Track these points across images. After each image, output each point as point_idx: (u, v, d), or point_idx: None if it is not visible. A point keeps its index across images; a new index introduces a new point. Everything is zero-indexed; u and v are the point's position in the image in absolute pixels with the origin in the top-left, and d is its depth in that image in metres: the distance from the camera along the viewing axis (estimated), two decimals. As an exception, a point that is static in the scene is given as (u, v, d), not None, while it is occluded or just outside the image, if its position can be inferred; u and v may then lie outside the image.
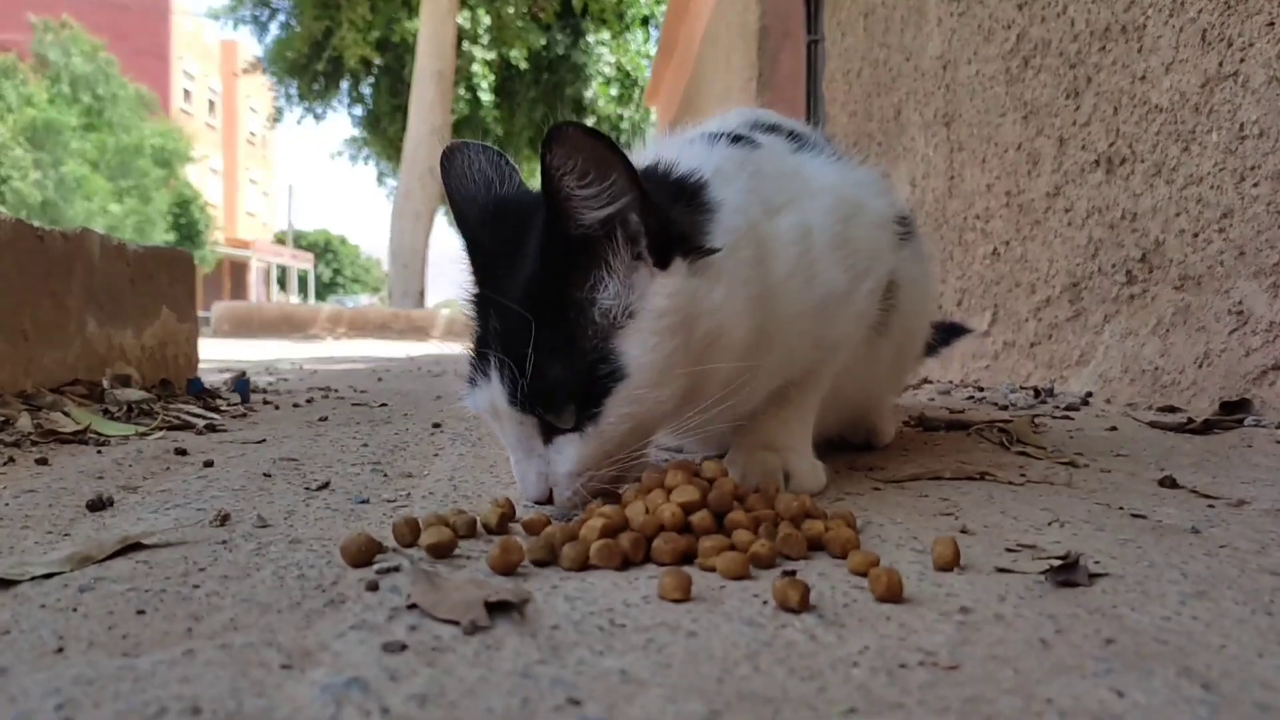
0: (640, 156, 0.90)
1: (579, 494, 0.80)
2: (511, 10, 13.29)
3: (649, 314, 0.77)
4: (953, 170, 2.82)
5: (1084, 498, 0.96)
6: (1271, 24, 1.55)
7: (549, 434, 0.79)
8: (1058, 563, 0.66)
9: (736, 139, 0.99)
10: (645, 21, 15.60)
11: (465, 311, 0.89)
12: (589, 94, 15.43)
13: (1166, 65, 1.83)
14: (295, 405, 1.98)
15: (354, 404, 2.03)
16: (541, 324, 0.76)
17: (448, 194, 0.88)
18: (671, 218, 0.81)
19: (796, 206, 0.93)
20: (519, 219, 0.83)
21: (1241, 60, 1.62)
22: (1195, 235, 1.76)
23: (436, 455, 1.26)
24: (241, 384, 2.07)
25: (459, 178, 0.87)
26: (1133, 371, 1.95)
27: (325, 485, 1.02)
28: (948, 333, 1.72)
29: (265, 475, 1.09)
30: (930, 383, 2.68)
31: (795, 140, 1.07)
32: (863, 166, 1.13)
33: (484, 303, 0.83)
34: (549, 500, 0.80)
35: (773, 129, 1.08)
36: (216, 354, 4.41)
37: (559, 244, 0.77)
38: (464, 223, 0.87)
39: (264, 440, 1.40)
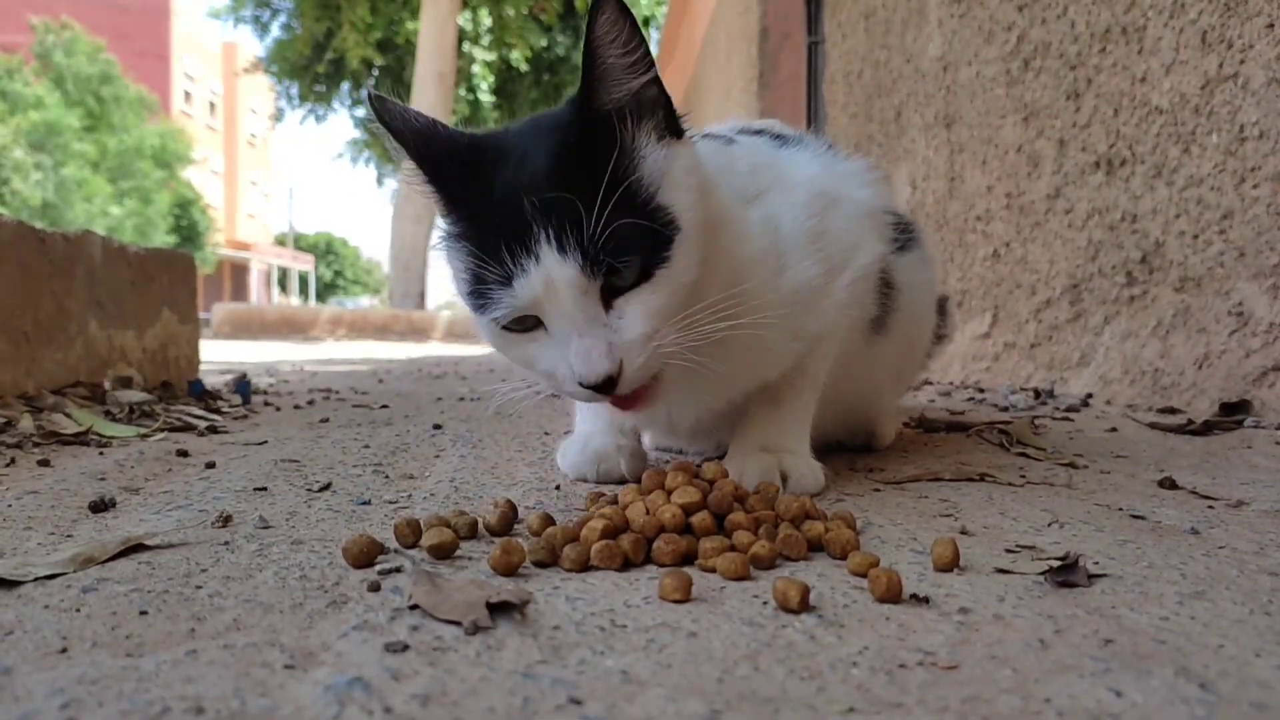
0: None
1: (651, 363, 0.78)
2: (512, 12, 13.31)
3: (680, 172, 0.80)
4: (953, 172, 2.83)
5: (1083, 499, 0.96)
6: (1271, 26, 1.55)
7: (608, 301, 0.77)
8: (1057, 563, 0.67)
9: (709, 136, 1.01)
10: (646, 23, 15.60)
11: (445, 248, 0.84)
12: (589, 95, 15.40)
13: (1167, 67, 1.83)
14: (296, 407, 1.99)
15: (355, 405, 2.03)
16: (599, 183, 0.75)
17: (395, 131, 0.83)
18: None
19: (767, 199, 0.94)
20: (494, 143, 0.83)
21: (1241, 62, 1.62)
22: (1195, 237, 1.76)
23: (438, 457, 1.27)
24: (243, 386, 2.07)
25: (402, 116, 0.84)
26: (1133, 373, 1.95)
27: (327, 486, 1.02)
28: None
29: (258, 489, 1.09)
30: (931, 384, 2.69)
31: (779, 140, 1.08)
32: (850, 159, 1.13)
33: (501, 204, 0.78)
34: (617, 376, 0.76)
35: (757, 133, 1.09)
36: (218, 356, 4.42)
37: (596, 114, 0.79)
38: (432, 152, 0.83)
39: (265, 442, 1.40)
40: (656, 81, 0.81)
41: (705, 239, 0.81)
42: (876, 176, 1.12)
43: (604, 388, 0.77)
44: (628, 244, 0.75)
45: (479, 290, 0.79)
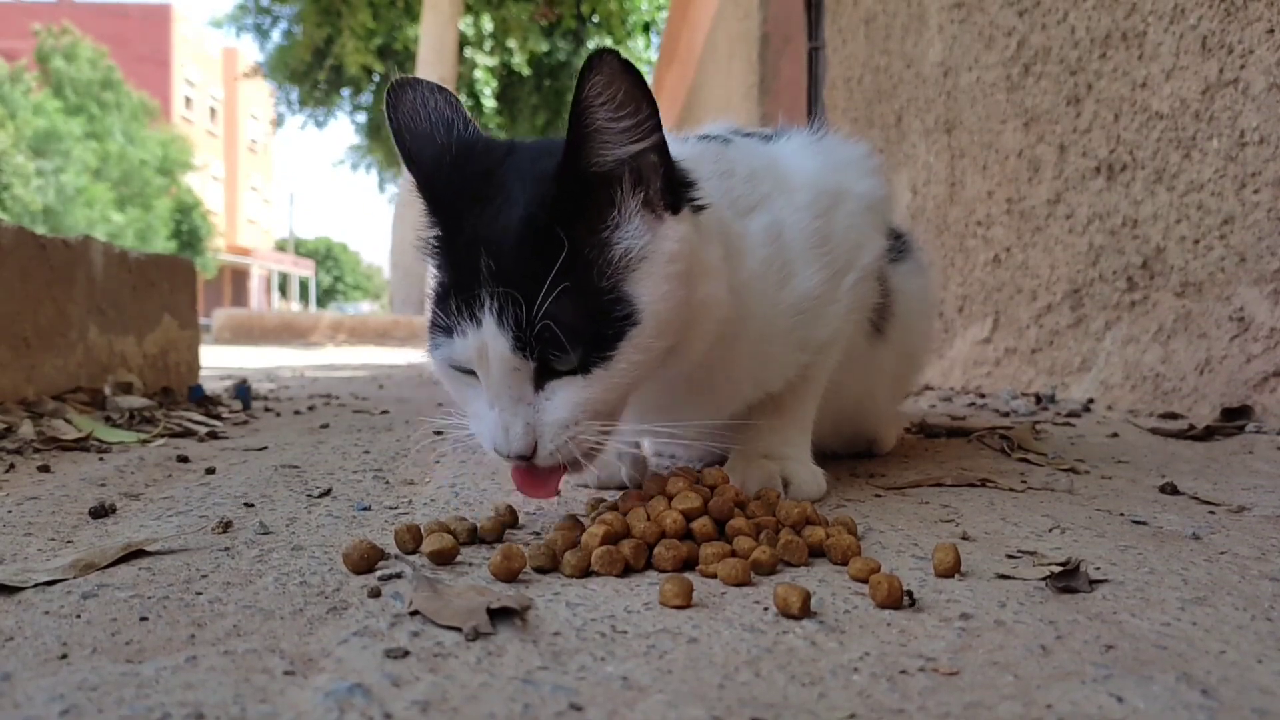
0: None
1: (563, 450, 0.74)
2: (515, 15, 13.34)
3: (661, 257, 0.75)
4: (954, 177, 2.83)
5: (1085, 504, 0.96)
6: (1271, 31, 1.55)
7: (541, 381, 0.74)
8: (1058, 569, 0.67)
9: (706, 137, 0.98)
10: (647, 28, 15.65)
11: (425, 257, 0.82)
12: (590, 100, 15.45)
13: (1167, 72, 1.83)
14: (296, 412, 1.99)
15: (355, 411, 2.03)
16: (554, 262, 0.71)
17: (396, 130, 0.81)
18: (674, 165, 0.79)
19: (769, 205, 0.91)
20: (490, 160, 0.79)
21: (1242, 67, 1.63)
22: (1196, 242, 1.76)
23: (438, 462, 1.27)
24: (243, 391, 2.07)
25: (410, 114, 0.81)
26: (1134, 378, 1.95)
27: (327, 492, 1.02)
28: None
29: (259, 494, 1.09)
30: (931, 389, 2.68)
31: (768, 139, 1.05)
32: (849, 143, 1.08)
33: (461, 244, 0.76)
34: (530, 455, 0.74)
35: (748, 135, 1.06)
36: (218, 361, 4.42)
37: (576, 180, 0.73)
38: (418, 161, 0.80)
39: (266, 447, 1.40)
40: (657, 148, 0.75)
41: (682, 326, 0.76)
42: (876, 163, 1.07)
43: (521, 460, 0.75)
44: (569, 335, 0.71)
45: (432, 323, 0.78)
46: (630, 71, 0.70)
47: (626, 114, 0.72)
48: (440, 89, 0.83)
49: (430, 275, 0.81)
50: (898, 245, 1.12)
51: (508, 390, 0.74)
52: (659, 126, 0.74)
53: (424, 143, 0.81)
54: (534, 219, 0.73)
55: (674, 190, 0.78)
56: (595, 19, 13.36)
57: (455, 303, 0.74)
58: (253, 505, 0.95)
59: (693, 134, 1.00)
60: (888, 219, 1.03)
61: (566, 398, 0.74)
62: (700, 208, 0.80)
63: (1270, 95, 1.56)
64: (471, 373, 0.76)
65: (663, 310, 0.74)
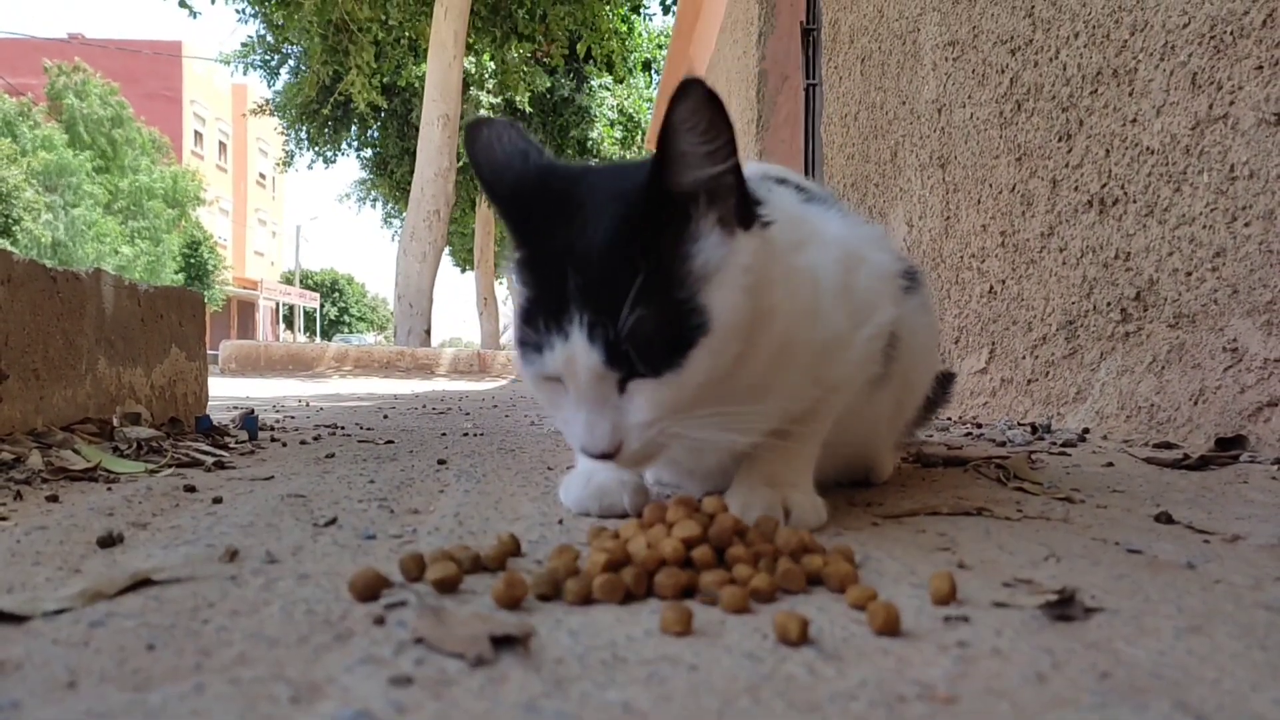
0: None
1: (647, 447, 0.82)
2: (515, 55, 13.55)
3: (734, 269, 0.80)
4: (948, 211, 2.86)
5: (1080, 533, 0.97)
6: (1260, 68, 1.59)
7: (623, 385, 0.80)
8: (1054, 597, 0.67)
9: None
10: (647, 66, 15.89)
11: (512, 278, 0.88)
12: (594, 135, 15.67)
13: (1157, 108, 1.87)
14: (303, 442, 2.00)
15: (361, 441, 2.04)
16: (637, 274, 0.77)
17: (476, 165, 0.88)
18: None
19: (809, 249, 0.97)
20: (569, 183, 0.85)
21: (1231, 103, 1.66)
22: (1188, 274, 1.78)
23: (442, 492, 1.28)
24: (250, 421, 2.08)
25: (487, 149, 0.88)
26: (1129, 408, 1.96)
27: (333, 521, 1.03)
28: (940, 383, 1.70)
29: (265, 524, 1.09)
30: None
31: (803, 194, 1.11)
32: (866, 224, 1.18)
33: (548, 262, 0.82)
34: (615, 453, 0.81)
35: (782, 182, 1.12)
36: (225, 392, 4.44)
37: (660, 198, 0.79)
38: (499, 191, 0.87)
39: (272, 477, 1.41)
40: (734, 170, 0.81)
41: (749, 333, 0.82)
42: (889, 243, 1.17)
43: (605, 457, 0.82)
44: (651, 346, 0.78)
45: (522, 340, 0.84)
46: (714, 100, 0.76)
47: (709, 138, 0.78)
48: (512, 124, 0.90)
49: (516, 294, 0.87)
50: (908, 280, 1.15)
51: (594, 395, 0.80)
52: (735, 150, 0.80)
53: (503, 172, 0.87)
54: (618, 236, 0.79)
55: (747, 208, 0.84)
56: (596, 58, 13.57)
57: (544, 318, 0.80)
58: (259, 534, 0.95)
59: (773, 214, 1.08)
60: (898, 294, 1.09)
61: (647, 400, 0.80)
62: (768, 224, 0.86)
63: (1259, 130, 1.59)
64: (558, 379, 0.82)
65: (733, 319, 0.80)
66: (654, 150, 0.78)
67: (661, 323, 0.78)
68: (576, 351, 0.78)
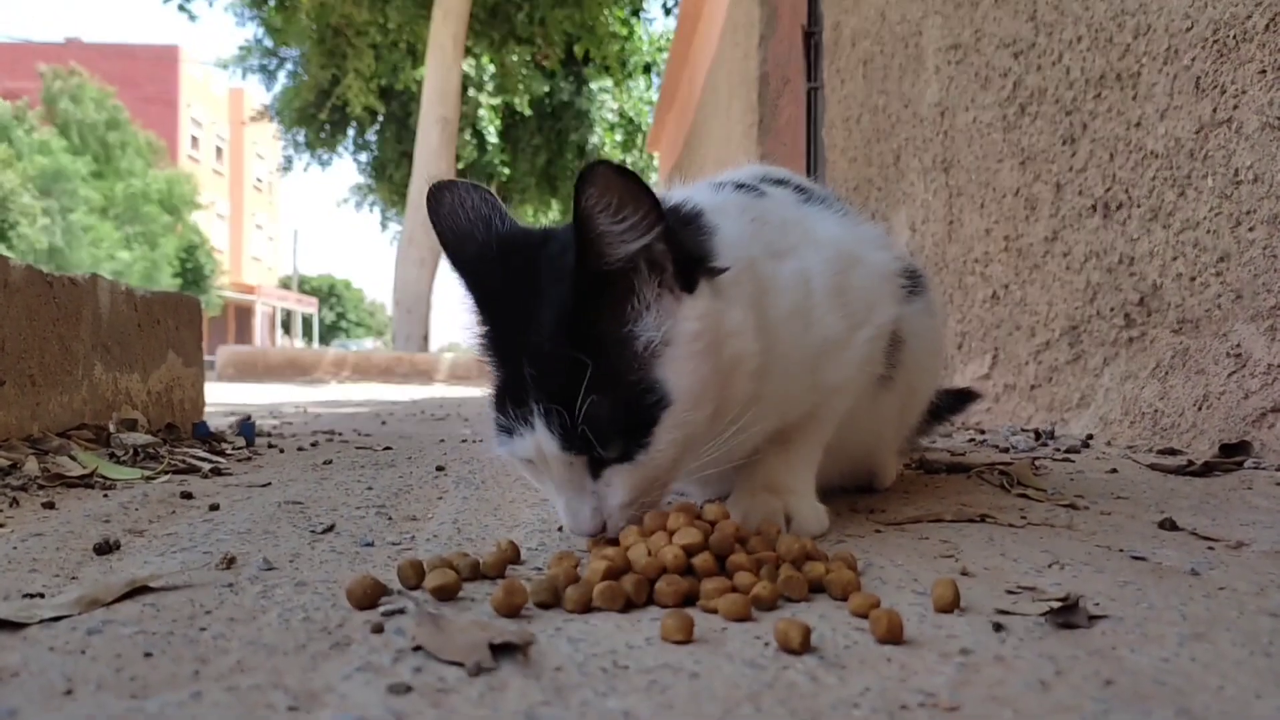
0: None
1: (633, 518, 0.82)
2: (515, 58, 13.57)
3: (684, 338, 0.80)
4: (952, 215, 2.86)
5: (1084, 540, 0.96)
6: (1263, 71, 1.59)
7: (597, 469, 0.81)
8: (1058, 605, 0.67)
9: (741, 186, 1.04)
10: (647, 69, 15.92)
11: (478, 354, 0.89)
12: (593, 139, 15.70)
13: (1161, 112, 1.87)
14: (300, 449, 1.99)
15: (358, 447, 2.04)
16: (585, 364, 0.76)
17: (439, 231, 0.87)
18: (685, 242, 0.84)
19: (798, 254, 0.96)
20: (525, 256, 0.84)
21: (1235, 107, 1.66)
22: (1193, 279, 1.78)
23: (440, 498, 1.27)
24: (247, 427, 2.08)
25: (451, 215, 0.87)
26: (1132, 414, 1.95)
27: (331, 528, 1.02)
28: (959, 399, 1.70)
29: (262, 531, 1.09)
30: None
31: (802, 194, 1.11)
32: (866, 224, 1.17)
33: (508, 346, 0.83)
34: (602, 532, 0.82)
35: (781, 183, 1.12)
36: (222, 398, 4.43)
37: (591, 281, 0.78)
38: (461, 260, 0.87)
39: (270, 484, 1.40)
40: (663, 237, 0.79)
41: (719, 388, 0.82)
42: (890, 241, 1.16)
43: (591, 535, 0.83)
44: (607, 432, 0.78)
45: (495, 422, 0.85)
46: (623, 175, 0.75)
47: (624, 216, 0.76)
48: (476, 186, 0.89)
49: (484, 369, 0.88)
50: (912, 283, 1.15)
51: (570, 482, 0.81)
52: (661, 218, 0.78)
53: (465, 241, 0.87)
54: (561, 325, 0.78)
55: (687, 270, 0.82)
56: (595, 60, 13.60)
57: (511, 405, 0.81)
58: (256, 541, 0.95)
59: (729, 181, 1.07)
60: (898, 292, 1.08)
61: (622, 482, 0.81)
62: (718, 271, 0.84)
63: (1263, 134, 1.59)
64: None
65: (692, 386, 0.80)
66: (574, 234, 0.77)
67: (618, 407, 0.77)
68: (541, 440, 0.79)
